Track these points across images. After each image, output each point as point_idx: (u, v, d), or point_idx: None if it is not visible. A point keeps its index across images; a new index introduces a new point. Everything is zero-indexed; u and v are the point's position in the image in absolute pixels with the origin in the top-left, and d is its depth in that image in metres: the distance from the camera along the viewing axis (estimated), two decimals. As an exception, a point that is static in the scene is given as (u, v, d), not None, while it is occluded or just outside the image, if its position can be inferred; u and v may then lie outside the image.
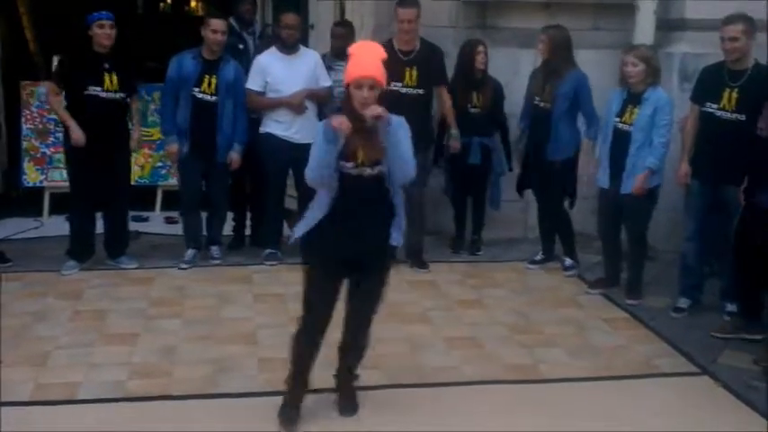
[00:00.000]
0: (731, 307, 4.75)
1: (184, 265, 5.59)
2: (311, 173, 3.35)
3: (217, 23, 5.37)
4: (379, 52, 3.39)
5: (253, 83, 5.52)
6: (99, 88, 5.20)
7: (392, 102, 5.33)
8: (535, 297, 5.22)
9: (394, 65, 5.37)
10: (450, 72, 5.76)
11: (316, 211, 3.43)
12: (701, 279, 4.98)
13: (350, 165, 3.36)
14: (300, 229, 3.47)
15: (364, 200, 3.40)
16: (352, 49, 3.44)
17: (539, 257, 5.78)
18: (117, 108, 5.32)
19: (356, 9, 6.39)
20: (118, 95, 5.26)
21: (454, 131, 5.61)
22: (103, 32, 5.17)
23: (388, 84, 5.35)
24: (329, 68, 5.78)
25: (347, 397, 3.71)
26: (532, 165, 5.59)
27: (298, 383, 3.59)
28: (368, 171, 3.37)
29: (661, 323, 4.80)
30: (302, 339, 3.57)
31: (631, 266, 5.18)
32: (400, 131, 3.39)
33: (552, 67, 5.35)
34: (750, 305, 4.56)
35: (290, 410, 3.56)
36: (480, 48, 5.63)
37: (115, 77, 5.22)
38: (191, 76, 5.40)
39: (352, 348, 3.66)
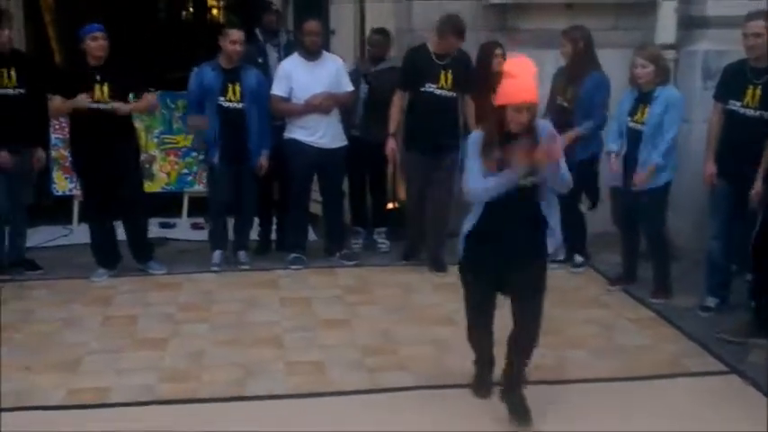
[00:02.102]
0: (758, 304, 4.73)
1: (216, 268, 5.66)
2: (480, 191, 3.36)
3: (236, 34, 5.43)
4: (533, 70, 3.29)
5: (278, 88, 5.57)
6: (89, 100, 5.21)
7: (426, 103, 5.44)
8: (558, 297, 5.19)
9: (429, 67, 5.43)
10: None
11: (467, 225, 3.52)
12: (729, 277, 4.94)
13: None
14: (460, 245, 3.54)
15: (513, 213, 3.40)
16: (509, 66, 3.33)
17: (561, 257, 5.78)
18: (112, 118, 5.27)
19: (376, 13, 6.42)
20: (110, 105, 5.24)
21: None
22: (97, 44, 5.21)
23: (423, 85, 5.44)
24: (365, 75, 5.84)
25: (515, 404, 3.61)
26: None
27: (482, 365, 3.86)
28: (520, 182, 3.31)
29: (688, 322, 4.78)
30: (473, 334, 3.80)
31: (655, 265, 5.17)
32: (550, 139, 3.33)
33: (575, 68, 5.36)
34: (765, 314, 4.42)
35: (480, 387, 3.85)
36: (498, 50, 5.63)
37: (106, 87, 5.23)
38: (214, 87, 5.45)
39: (518, 343, 3.61)
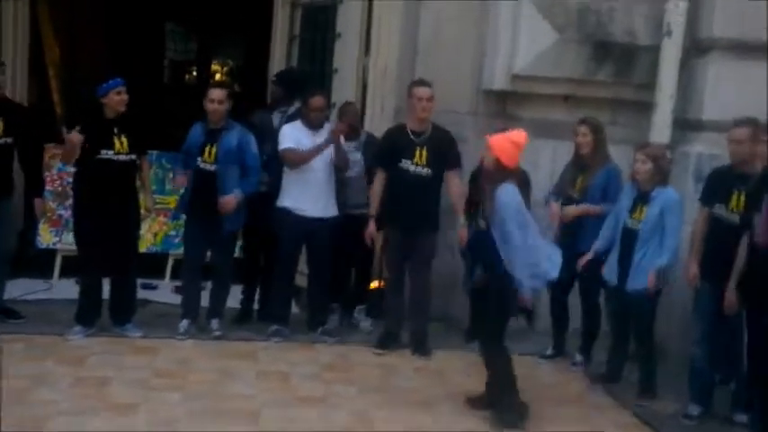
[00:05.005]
0: (741, 417, 4.64)
1: (181, 337, 5.54)
2: None
3: (214, 93, 5.47)
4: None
5: (285, 143, 5.55)
6: (111, 152, 5.29)
7: (400, 179, 5.43)
8: (539, 393, 5.09)
9: (405, 144, 5.45)
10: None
11: None
12: (712, 385, 4.86)
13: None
14: None
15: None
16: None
17: (549, 352, 5.69)
18: (127, 170, 5.40)
19: (377, 90, 6.49)
20: (128, 157, 5.36)
21: (462, 220, 5.43)
22: (120, 98, 5.30)
23: (399, 161, 5.45)
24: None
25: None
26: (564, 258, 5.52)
27: None
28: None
29: (671, 430, 4.67)
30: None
31: (642, 366, 5.10)
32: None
33: (592, 157, 5.36)
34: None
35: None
36: None
37: (125, 140, 5.33)
38: (195, 146, 5.51)
39: None
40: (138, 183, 5.60)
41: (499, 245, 4.36)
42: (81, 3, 10.05)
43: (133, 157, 5.40)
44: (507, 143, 4.40)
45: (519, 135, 4.44)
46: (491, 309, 4.51)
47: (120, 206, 5.38)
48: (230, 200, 5.46)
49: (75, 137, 5.15)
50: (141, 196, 5.65)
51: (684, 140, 5.94)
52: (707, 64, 5.88)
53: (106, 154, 5.29)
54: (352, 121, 5.90)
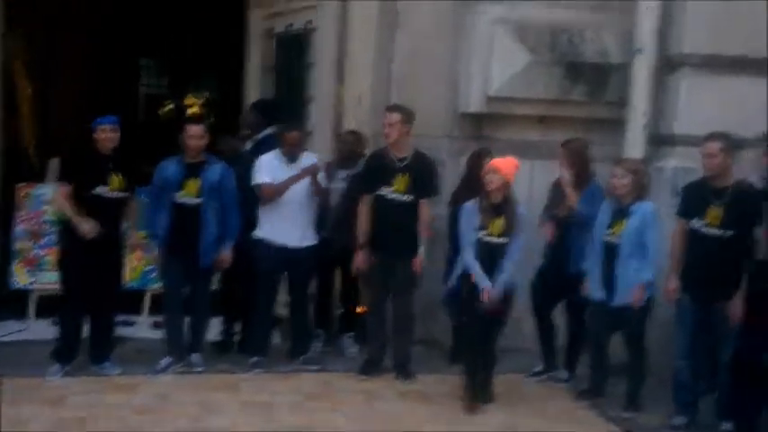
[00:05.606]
0: (727, 425, 4.63)
1: (159, 373, 5.44)
2: None
3: (192, 129, 5.47)
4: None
5: (263, 177, 5.50)
6: (105, 188, 5.26)
7: (380, 206, 5.40)
8: (526, 409, 5.08)
9: (386, 170, 5.43)
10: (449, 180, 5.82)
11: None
12: (696, 396, 4.88)
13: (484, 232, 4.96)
14: None
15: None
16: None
17: (538, 369, 5.65)
18: (118, 207, 5.37)
19: (353, 117, 6.48)
20: (122, 194, 5.34)
21: (422, 248, 5.45)
22: (106, 136, 5.27)
23: (378, 188, 5.42)
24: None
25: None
26: (551, 277, 5.50)
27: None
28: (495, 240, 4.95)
29: (658, 441, 4.67)
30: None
31: (631, 377, 5.08)
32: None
33: (578, 178, 5.35)
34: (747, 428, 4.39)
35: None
36: (487, 159, 5.44)
37: (120, 177, 5.30)
38: (173, 180, 5.44)
39: None
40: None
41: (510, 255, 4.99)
42: (54, 41, 10.05)
43: (126, 194, 5.37)
44: (513, 167, 4.96)
45: (514, 160, 5.04)
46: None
47: (109, 243, 5.32)
48: (226, 257, 5.53)
49: (91, 229, 5.15)
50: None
51: (659, 156, 5.98)
52: (678, 80, 5.95)
53: (101, 190, 5.25)
54: (346, 152, 5.91)
